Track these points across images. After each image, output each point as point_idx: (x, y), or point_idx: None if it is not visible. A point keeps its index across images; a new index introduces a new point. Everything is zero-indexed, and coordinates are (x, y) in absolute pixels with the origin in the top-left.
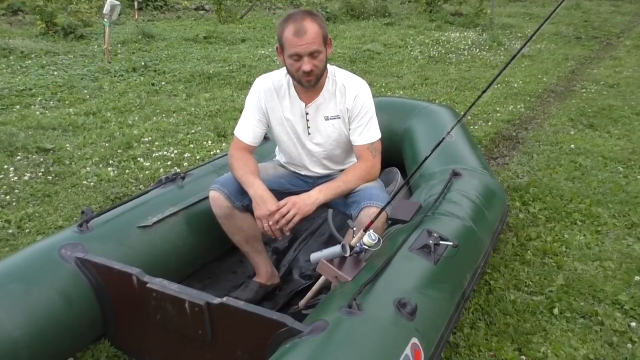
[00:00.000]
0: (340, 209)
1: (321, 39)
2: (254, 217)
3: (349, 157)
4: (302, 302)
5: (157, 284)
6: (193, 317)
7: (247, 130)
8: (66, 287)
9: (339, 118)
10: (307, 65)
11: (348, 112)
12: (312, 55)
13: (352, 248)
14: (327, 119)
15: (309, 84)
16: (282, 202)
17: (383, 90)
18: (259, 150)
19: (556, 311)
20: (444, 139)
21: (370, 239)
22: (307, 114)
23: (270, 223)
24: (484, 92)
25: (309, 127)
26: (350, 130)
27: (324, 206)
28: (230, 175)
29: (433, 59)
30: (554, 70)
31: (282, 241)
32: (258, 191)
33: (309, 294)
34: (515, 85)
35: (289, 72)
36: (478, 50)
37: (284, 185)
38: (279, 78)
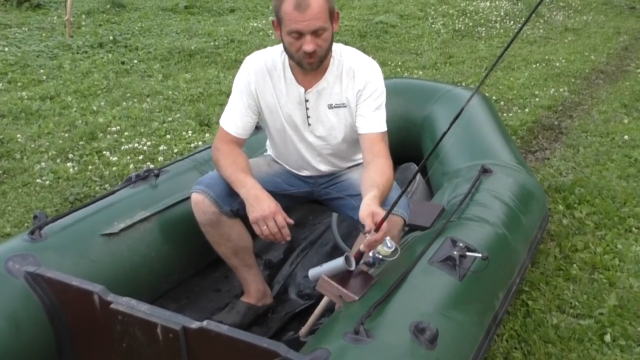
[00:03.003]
0: (347, 213)
1: (327, 13)
2: (245, 224)
3: (356, 152)
4: (304, 330)
5: (123, 304)
6: (166, 344)
7: (235, 120)
8: (13, 307)
9: (345, 106)
10: (308, 45)
11: (356, 96)
12: (316, 33)
13: (358, 260)
14: (330, 106)
15: (310, 67)
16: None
17: (398, 70)
18: (247, 142)
19: (608, 338)
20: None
21: (385, 246)
22: (306, 100)
23: (270, 225)
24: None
25: (308, 117)
26: (357, 115)
27: (328, 209)
28: (216, 174)
29: (458, 33)
30: (602, 47)
31: (276, 252)
32: (251, 191)
33: (313, 318)
34: (557, 64)
35: (286, 50)
36: (512, 22)
37: (280, 185)
38: (273, 57)
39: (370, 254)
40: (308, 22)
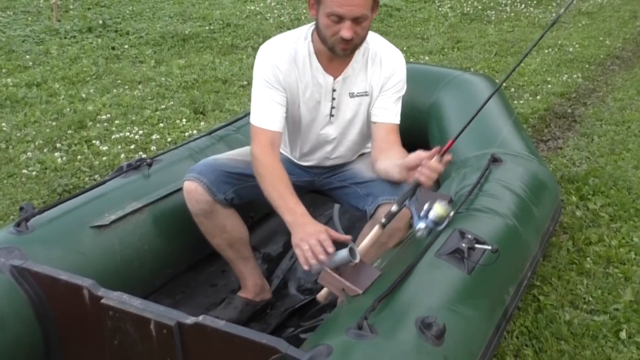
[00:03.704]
0: (351, 203)
1: (371, 1)
2: (240, 214)
3: (364, 142)
4: (322, 293)
5: (114, 299)
6: (160, 341)
7: (271, 114)
8: None
9: (367, 95)
10: (348, 31)
11: (381, 84)
12: (357, 20)
13: (390, 219)
14: (352, 95)
15: (343, 53)
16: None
17: (404, 55)
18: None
19: (623, 335)
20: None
21: (442, 205)
22: (333, 90)
23: (312, 242)
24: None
25: (333, 107)
26: (376, 104)
27: (329, 200)
28: (210, 161)
29: (467, 17)
30: (618, 31)
31: (275, 245)
32: (299, 219)
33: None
34: (571, 50)
35: (319, 32)
36: (523, 5)
37: None
38: (295, 44)
39: (423, 223)
40: (352, 7)
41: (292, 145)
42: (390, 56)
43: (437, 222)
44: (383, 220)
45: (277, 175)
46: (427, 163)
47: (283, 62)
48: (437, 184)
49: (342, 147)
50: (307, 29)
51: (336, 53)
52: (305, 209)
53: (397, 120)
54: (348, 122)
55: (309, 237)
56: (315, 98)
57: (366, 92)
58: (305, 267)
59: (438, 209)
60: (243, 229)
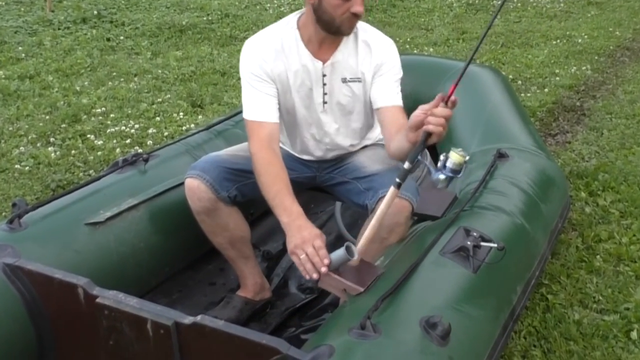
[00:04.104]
0: (352, 199)
1: None
2: (242, 212)
3: (364, 132)
4: (362, 242)
5: (110, 298)
6: (157, 341)
7: (265, 106)
8: None
9: (360, 81)
10: (360, 6)
11: (373, 70)
12: None
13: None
14: (344, 80)
15: (350, 30)
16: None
17: (408, 46)
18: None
19: (634, 335)
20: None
21: (457, 152)
22: (324, 75)
23: (309, 251)
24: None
25: (325, 94)
26: (375, 89)
27: (330, 197)
28: (211, 157)
29: (472, 7)
30: (629, 21)
31: (275, 243)
32: (296, 221)
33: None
34: (579, 41)
35: (323, 15)
36: None
37: None
38: (281, 35)
39: (442, 173)
40: None
41: (291, 139)
42: (380, 42)
43: (455, 170)
44: (397, 179)
45: (274, 173)
46: (434, 112)
47: (269, 54)
48: None
49: (340, 135)
50: (292, 17)
51: (343, 32)
52: (301, 209)
53: (400, 101)
54: (343, 108)
55: (305, 244)
56: (307, 85)
57: (358, 78)
58: (307, 277)
59: (454, 157)
60: (245, 227)
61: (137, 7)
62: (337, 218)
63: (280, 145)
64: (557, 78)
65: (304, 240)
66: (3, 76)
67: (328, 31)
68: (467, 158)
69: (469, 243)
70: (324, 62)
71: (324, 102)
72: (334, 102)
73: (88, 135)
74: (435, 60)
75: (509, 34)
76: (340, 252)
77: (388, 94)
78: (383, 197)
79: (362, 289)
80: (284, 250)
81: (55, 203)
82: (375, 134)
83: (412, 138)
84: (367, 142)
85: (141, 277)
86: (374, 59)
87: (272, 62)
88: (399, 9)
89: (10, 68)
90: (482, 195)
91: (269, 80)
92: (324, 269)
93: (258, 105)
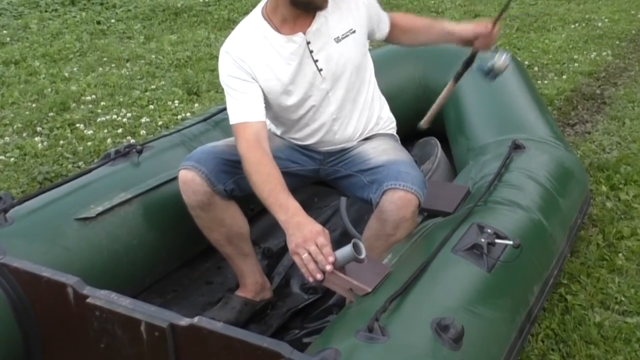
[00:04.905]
0: (356, 193)
1: None
2: (240, 207)
3: (374, 102)
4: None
5: (101, 298)
6: (151, 344)
7: (249, 106)
8: None
9: (354, 32)
10: None
11: (360, 19)
12: None
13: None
14: (337, 40)
15: (326, 4)
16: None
17: None
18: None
19: None
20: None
21: (501, 56)
22: (308, 43)
23: (312, 249)
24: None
25: (316, 61)
26: (371, 18)
27: (334, 191)
28: (207, 148)
29: None
30: None
31: (276, 240)
32: (294, 218)
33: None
34: (599, 24)
35: None
36: None
37: (282, 161)
38: (251, 30)
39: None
40: None
41: (293, 126)
42: None
43: (495, 74)
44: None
45: (266, 172)
46: (493, 34)
47: (245, 53)
48: (454, 173)
49: (346, 103)
50: (256, 11)
51: (320, 7)
52: (298, 204)
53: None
54: (343, 67)
55: (307, 242)
56: (294, 65)
57: (351, 29)
58: (310, 279)
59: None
60: (243, 223)
61: None
62: (342, 213)
63: (283, 137)
64: (576, 64)
65: (305, 238)
66: None
67: (305, 10)
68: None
69: (482, 240)
70: (304, 32)
71: (319, 70)
72: (331, 66)
73: (77, 125)
74: (446, 45)
75: (525, 17)
76: (347, 250)
77: (383, 17)
78: (388, 189)
79: (369, 290)
80: (285, 248)
81: (42, 197)
82: (382, 121)
83: (459, 44)
84: (372, 132)
85: (134, 275)
86: (357, 10)
87: (250, 60)
88: None
89: None
90: (497, 189)
91: (249, 80)
92: (328, 268)
93: (240, 108)
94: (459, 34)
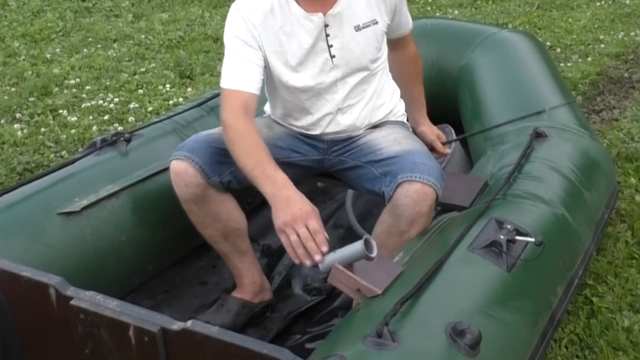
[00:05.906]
0: (366, 186)
1: None
2: (239, 202)
3: (384, 89)
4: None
5: (86, 299)
6: (141, 350)
7: (244, 74)
8: None
9: (376, 23)
10: None
11: (385, 10)
12: None
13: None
14: (357, 28)
15: None
16: None
17: (429, 8)
18: None
19: None
20: None
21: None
22: (326, 25)
23: (301, 231)
24: None
25: (330, 47)
26: (395, 15)
27: (340, 184)
28: (201, 136)
29: None
30: None
31: (276, 237)
32: (282, 191)
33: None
34: (627, 2)
35: None
36: None
37: (284, 151)
38: None
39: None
40: None
41: (294, 110)
42: None
43: None
44: None
45: (252, 141)
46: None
47: (257, 17)
48: (470, 164)
49: (354, 94)
50: None
51: None
52: (287, 177)
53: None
54: (357, 59)
55: (296, 222)
56: (307, 46)
57: (374, 20)
58: (297, 262)
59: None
60: (240, 218)
61: None
62: (348, 208)
63: (284, 124)
64: (602, 45)
65: (294, 217)
66: None
67: None
68: None
69: (502, 237)
70: (324, 13)
71: (332, 57)
72: (346, 52)
73: (60, 111)
74: (461, 24)
75: None
76: (357, 246)
77: (405, 18)
78: (402, 182)
79: (379, 292)
80: None
81: (22, 189)
82: (391, 109)
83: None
84: (381, 120)
85: (122, 275)
86: (388, 5)
87: (260, 25)
88: None
89: None
90: (517, 182)
91: (255, 46)
92: (318, 258)
93: (237, 72)
94: (419, 131)
